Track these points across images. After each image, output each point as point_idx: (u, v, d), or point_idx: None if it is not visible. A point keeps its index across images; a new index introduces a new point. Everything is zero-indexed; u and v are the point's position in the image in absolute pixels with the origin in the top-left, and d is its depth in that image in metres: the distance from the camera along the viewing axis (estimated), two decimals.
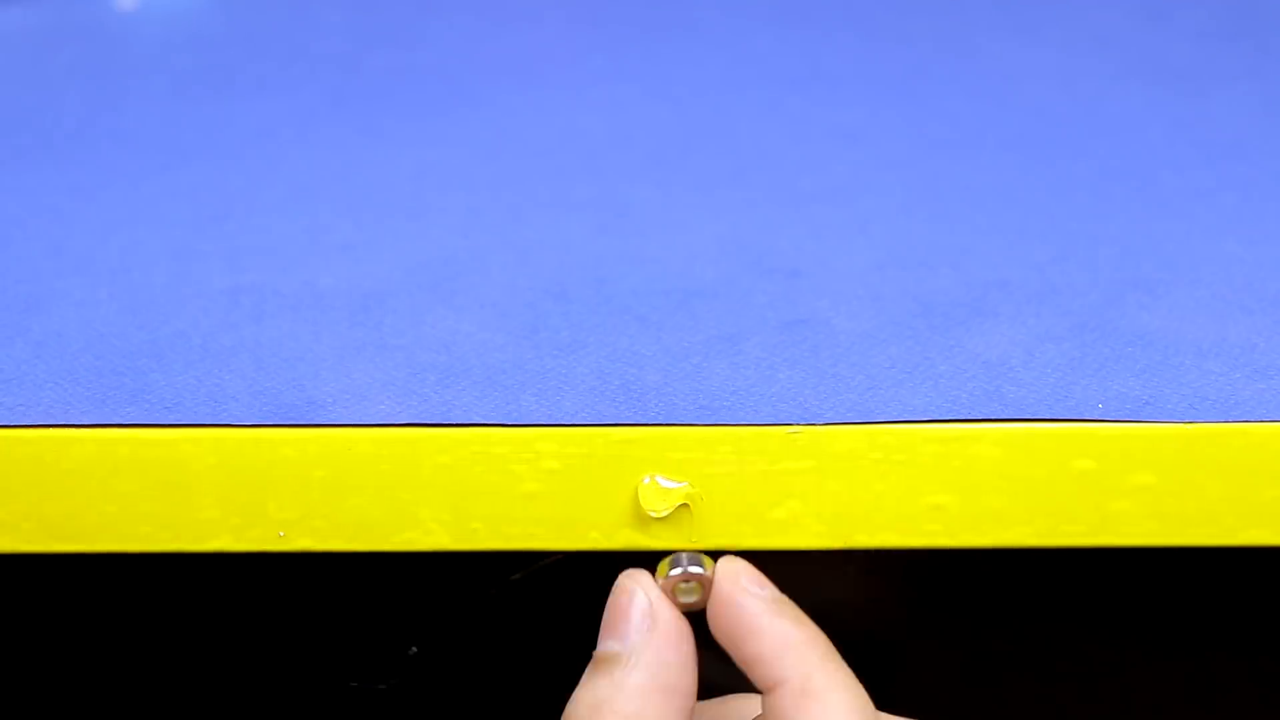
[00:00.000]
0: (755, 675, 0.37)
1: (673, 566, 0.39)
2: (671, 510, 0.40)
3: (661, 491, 0.40)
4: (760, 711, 0.38)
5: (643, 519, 0.41)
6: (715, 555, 0.39)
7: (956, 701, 0.77)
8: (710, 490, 0.41)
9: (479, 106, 0.60)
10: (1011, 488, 0.41)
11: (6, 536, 0.42)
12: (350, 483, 0.41)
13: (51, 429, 0.41)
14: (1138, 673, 0.72)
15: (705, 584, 0.39)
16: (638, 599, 0.38)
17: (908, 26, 0.67)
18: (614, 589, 0.39)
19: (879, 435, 0.41)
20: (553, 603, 0.78)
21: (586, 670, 0.38)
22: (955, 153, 0.56)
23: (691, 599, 0.39)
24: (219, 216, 0.51)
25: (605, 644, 0.38)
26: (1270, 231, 0.50)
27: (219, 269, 0.48)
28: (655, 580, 0.39)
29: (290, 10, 0.69)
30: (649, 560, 0.40)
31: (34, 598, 0.79)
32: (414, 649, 0.67)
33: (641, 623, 0.38)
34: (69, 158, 0.55)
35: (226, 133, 0.57)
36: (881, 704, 0.39)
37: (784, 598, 0.38)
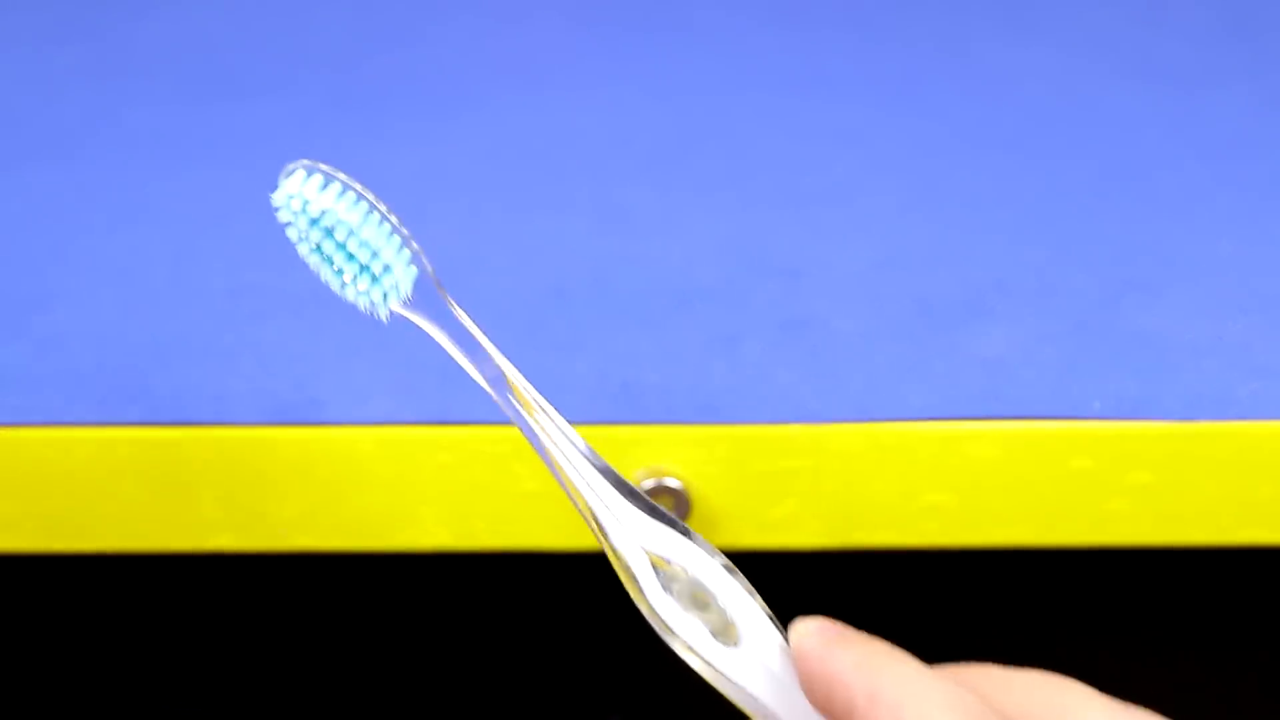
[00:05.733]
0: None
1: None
2: None
3: None
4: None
5: None
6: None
7: None
8: (710, 489, 0.41)
9: (479, 106, 0.60)
10: (1009, 486, 0.41)
11: (7, 536, 0.42)
12: (350, 483, 0.41)
13: (53, 429, 0.41)
14: (1134, 670, 0.72)
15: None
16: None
17: (907, 27, 0.67)
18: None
19: (878, 434, 0.41)
20: (554, 603, 0.78)
21: None
22: (955, 153, 0.56)
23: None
24: (220, 216, 0.51)
25: None
26: (1266, 232, 0.50)
27: (220, 269, 0.48)
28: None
29: (290, 10, 0.69)
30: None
31: (34, 598, 0.79)
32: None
33: None
34: (69, 158, 0.55)
35: (227, 133, 0.57)
36: None
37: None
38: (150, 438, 0.41)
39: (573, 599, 0.77)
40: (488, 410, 0.41)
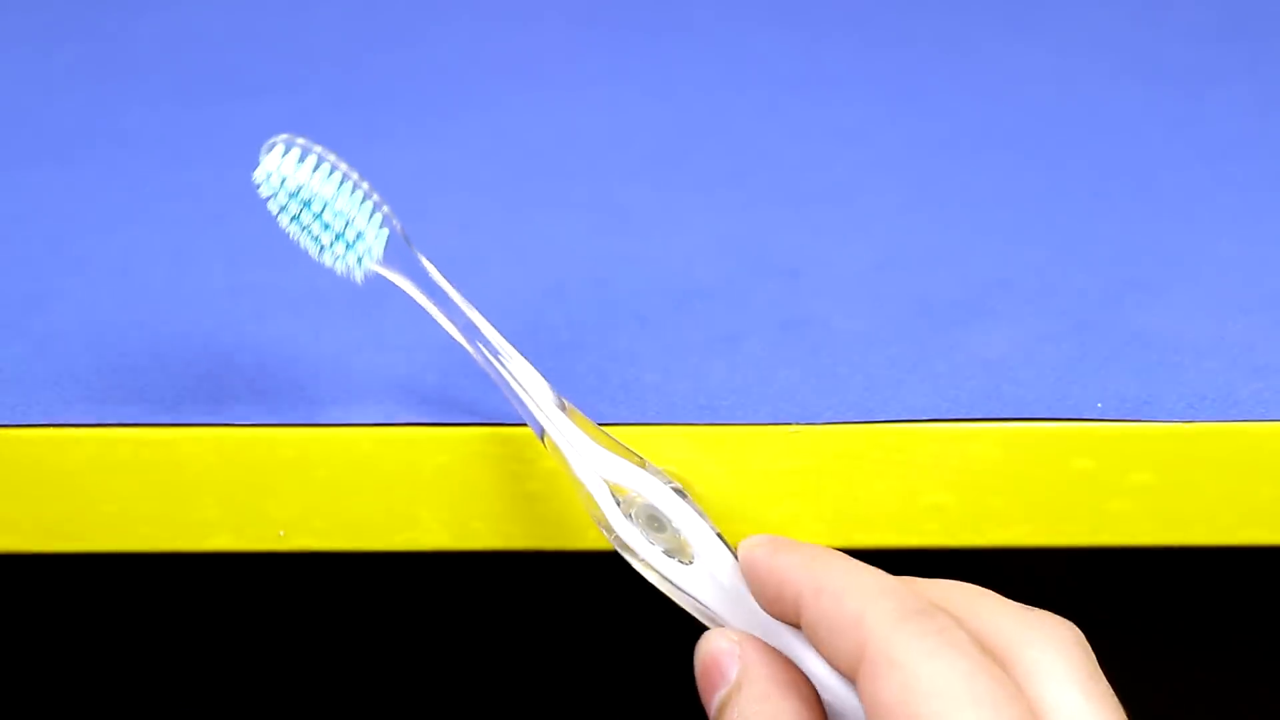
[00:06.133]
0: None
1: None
2: None
3: None
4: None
5: None
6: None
7: None
8: (710, 489, 0.41)
9: (479, 106, 0.60)
10: (1010, 487, 0.41)
11: (6, 536, 0.42)
12: (350, 483, 0.41)
13: (51, 429, 0.41)
14: (1134, 670, 0.72)
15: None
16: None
17: (907, 26, 0.67)
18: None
19: (878, 435, 0.41)
20: (553, 603, 0.78)
21: None
22: (955, 153, 0.56)
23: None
24: (220, 216, 0.51)
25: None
26: (1267, 231, 0.50)
27: (219, 269, 0.48)
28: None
29: (290, 10, 0.69)
30: None
31: (34, 598, 0.79)
32: None
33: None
34: (69, 157, 0.55)
35: (226, 133, 0.57)
36: None
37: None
38: (149, 438, 0.41)
39: (573, 599, 0.78)
40: (487, 410, 0.41)
